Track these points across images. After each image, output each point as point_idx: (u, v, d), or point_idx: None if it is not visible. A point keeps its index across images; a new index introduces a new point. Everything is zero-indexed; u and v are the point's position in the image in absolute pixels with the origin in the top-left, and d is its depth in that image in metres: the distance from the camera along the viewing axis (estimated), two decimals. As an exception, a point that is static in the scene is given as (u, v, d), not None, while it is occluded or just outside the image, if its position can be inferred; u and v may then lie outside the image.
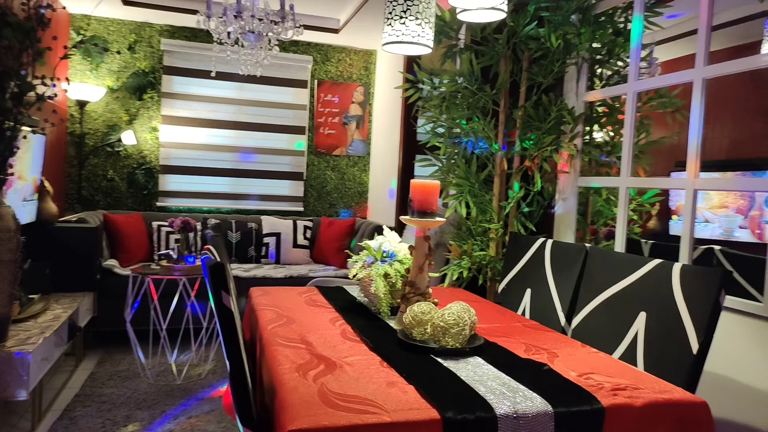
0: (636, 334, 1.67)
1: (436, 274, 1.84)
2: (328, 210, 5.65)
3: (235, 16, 3.13)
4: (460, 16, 2.07)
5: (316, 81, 5.45)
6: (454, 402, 1.17)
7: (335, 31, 4.94)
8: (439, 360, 1.45)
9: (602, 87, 2.67)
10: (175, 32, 5.02)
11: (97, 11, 4.69)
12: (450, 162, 2.67)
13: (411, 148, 4.91)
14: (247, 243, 5.04)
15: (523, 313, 2.22)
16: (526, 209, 2.61)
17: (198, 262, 3.90)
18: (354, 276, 1.95)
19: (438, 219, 1.71)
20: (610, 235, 2.88)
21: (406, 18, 1.95)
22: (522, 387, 1.27)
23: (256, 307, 2.03)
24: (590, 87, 2.69)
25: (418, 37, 1.92)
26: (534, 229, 2.60)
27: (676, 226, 5.23)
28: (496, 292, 2.68)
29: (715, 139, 3.56)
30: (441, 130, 2.65)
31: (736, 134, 3.95)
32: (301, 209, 5.56)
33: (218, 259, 1.45)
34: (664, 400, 1.26)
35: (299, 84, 5.42)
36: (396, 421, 1.09)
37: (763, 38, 2.58)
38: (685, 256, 2.10)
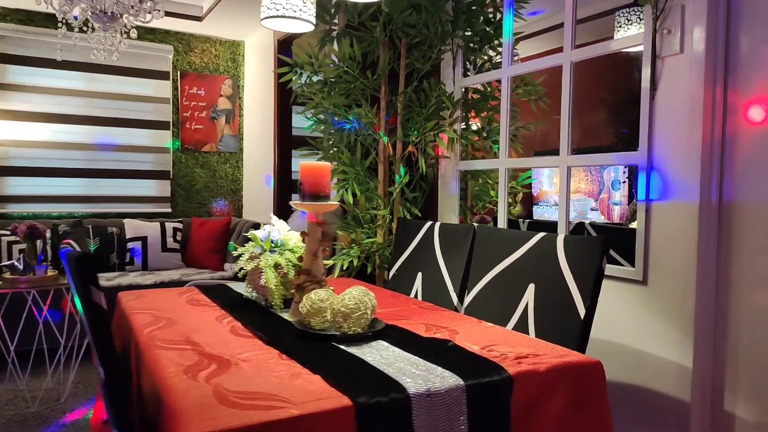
0: (527, 305, 1.73)
1: (329, 262, 1.77)
2: (198, 210, 5.32)
3: (84, -7, 2.79)
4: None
5: (179, 72, 5.10)
6: (365, 387, 1.10)
7: (198, 18, 4.65)
8: (342, 347, 1.38)
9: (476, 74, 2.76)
10: (6, 15, 4.41)
11: None
12: (333, 150, 2.60)
13: (286, 141, 4.77)
14: (108, 249, 4.58)
15: (416, 297, 2.21)
16: (411, 195, 2.62)
17: (50, 272, 3.45)
18: (240, 270, 1.81)
19: (331, 203, 1.64)
20: (488, 219, 2.99)
21: (285, -7, 1.85)
22: (430, 365, 1.24)
23: (127, 312, 1.81)
24: (465, 74, 2.77)
25: (300, 12, 1.82)
26: (419, 214, 2.62)
27: (539, 211, 5.63)
28: (385, 280, 2.67)
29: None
30: (322, 116, 2.57)
31: (584, 125, 4.32)
32: (169, 210, 5.17)
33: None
34: (564, 364, 1.30)
35: (160, 75, 5.03)
36: (307, 413, 1.00)
37: (615, 29, 2.82)
38: (562, 228, 2.22)
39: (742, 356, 1.75)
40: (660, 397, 1.92)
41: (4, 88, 4.44)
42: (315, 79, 2.54)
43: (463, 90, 2.74)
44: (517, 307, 1.75)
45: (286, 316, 1.71)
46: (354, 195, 2.55)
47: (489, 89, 2.75)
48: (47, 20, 4.51)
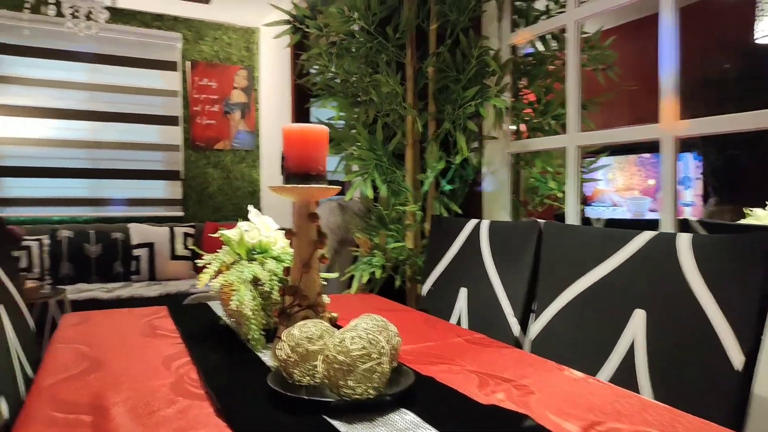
0: (632, 343, 1.13)
1: (334, 275, 1.25)
2: (212, 214, 4.83)
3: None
4: None
5: (188, 63, 4.64)
6: None
7: (205, 1, 4.17)
8: (339, 425, 0.81)
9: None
10: (-1, -1, 4.02)
11: None
12: (349, 129, 2.04)
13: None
14: (112, 257, 4.14)
15: (459, 322, 1.63)
16: (448, 187, 2.04)
17: (31, 283, 2.99)
18: (206, 287, 1.26)
19: (330, 186, 1.07)
20: (552, 217, 2.38)
21: None
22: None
23: (52, 346, 1.29)
24: (514, 29, 2.17)
25: None
26: (459, 211, 2.03)
27: (592, 213, 4.94)
28: (418, 296, 2.09)
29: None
30: (336, 80, 2.00)
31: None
32: (181, 214, 4.71)
33: None
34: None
35: (167, 66, 4.57)
36: None
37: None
38: (669, 227, 1.60)
39: None
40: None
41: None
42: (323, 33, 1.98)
43: (512, 49, 2.14)
44: (616, 345, 1.15)
45: (266, 357, 1.15)
46: (375, 188, 1.99)
47: (546, 50, 2.15)
48: (44, 7, 4.11)
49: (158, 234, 4.29)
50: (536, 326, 1.37)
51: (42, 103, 4.18)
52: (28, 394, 0.98)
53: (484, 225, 1.65)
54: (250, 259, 1.24)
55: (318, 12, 1.95)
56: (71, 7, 2.73)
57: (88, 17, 2.78)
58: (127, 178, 4.51)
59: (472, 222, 1.69)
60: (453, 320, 1.66)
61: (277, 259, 1.22)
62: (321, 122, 2.15)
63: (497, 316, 1.48)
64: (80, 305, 3.47)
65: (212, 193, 4.83)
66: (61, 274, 3.95)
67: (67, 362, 1.13)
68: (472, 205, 2.16)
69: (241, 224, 1.26)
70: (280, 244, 1.25)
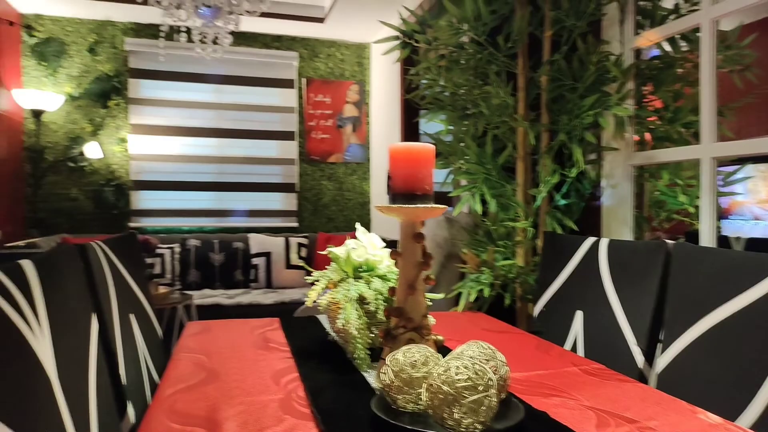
0: (784, 385, 0.98)
1: (440, 296, 1.21)
2: (325, 225, 4.99)
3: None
4: None
5: (304, 80, 4.84)
6: None
7: (320, 20, 4.34)
8: (444, 460, 0.77)
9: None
10: (140, 30, 4.45)
11: (53, 10, 4.13)
12: (457, 143, 2.00)
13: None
14: (233, 265, 4.40)
15: (575, 348, 1.52)
16: (562, 202, 1.92)
17: (162, 289, 3.26)
18: (314, 303, 1.28)
19: (436, 206, 1.04)
20: (681, 233, 2.17)
21: None
22: None
23: (175, 355, 1.37)
24: (637, 31, 2.01)
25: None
26: (575, 227, 1.91)
27: (730, 226, 4.47)
28: (529, 316, 1.99)
29: None
30: (441, 100, 1.97)
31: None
32: (296, 225, 4.91)
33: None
34: None
35: (285, 84, 4.81)
36: None
37: None
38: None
39: None
40: None
41: (137, 103, 4.48)
42: (431, 47, 1.95)
43: (635, 53, 1.98)
44: (762, 387, 1.01)
45: (371, 378, 1.14)
46: (484, 202, 1.93)
47: (675, 52, 1.97)
48: (176, 34, 4.50)
49: (275, 244, 4.50)
50: (664, 359, 1.24)
51: (174, 122, 4.56)
52: (151, 402, 1.05)
53: (603, 244, 1.53)
54: (357, 277, 1.24)
55: (427, 26, 1.93)
56: (200, 34, 2.95)
57: (214, 42, 2.98)
58: (247, 191, 4.79)
59: (590, 240, 1.58)
60: (567, 345, 1.55)
61: (383, 278, 1.21)
62: (429, 136, 2.13)
63: (618, 345, 1.36)
64: (205, 310, 3.72)
65: (325, 204, 4.98)
66: (189, 281, 4.26)
67: (186, 372, 1.19)
68: (590, 221, 2.02)
69: (349, 242, 1.27)
70: (386, 263, 1.24)
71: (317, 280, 1.29)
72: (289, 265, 4.52)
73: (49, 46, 4.22)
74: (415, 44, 1.92)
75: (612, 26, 1.99)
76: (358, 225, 1.33)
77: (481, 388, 0.82)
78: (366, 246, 1.27)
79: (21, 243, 3.61)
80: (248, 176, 4.80)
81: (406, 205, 1.03)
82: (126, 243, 1.52)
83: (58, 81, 4.27)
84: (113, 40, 4.38)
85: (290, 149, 4.86)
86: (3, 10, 3.80)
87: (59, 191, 4.30)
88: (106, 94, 4.37)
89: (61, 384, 0.81)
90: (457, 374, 0.82)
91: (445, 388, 0.82)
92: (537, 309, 1.73)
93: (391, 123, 4.46)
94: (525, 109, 1.96)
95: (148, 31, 4.44)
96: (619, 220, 2.00)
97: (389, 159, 1.08)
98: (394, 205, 1.04)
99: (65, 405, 0.81)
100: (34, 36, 4.20)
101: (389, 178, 1.07)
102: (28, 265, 0.80)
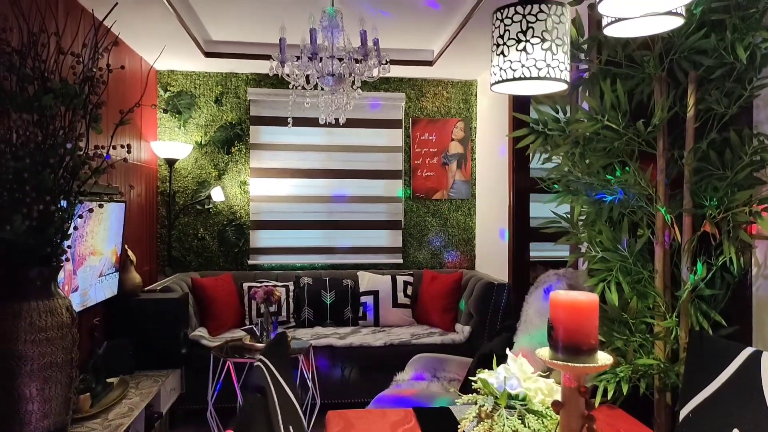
0: None
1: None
2: (430, 261, 5.04)
3: (310, 58, 2.66)
4: (608, 31, 1.41)
5: (410, 119, 4.92)
6: None
7: (429, 63, 4.40)
8: None
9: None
10: (261, 80, 4.74)
11: (183, 65, 4.50)
12: (588, 226, 1.96)
13: (523, 188, 4.21)
14: (343, 303, 4.55)
15: (731, 473, 1.45)
16: (707, 291, 1.83)
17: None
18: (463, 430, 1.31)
19: (602, 365, 1.04)
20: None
21: (527, 41, 1.32)
22: None
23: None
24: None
25: (547, 68, 1.28)
26: (722, 321, 1.81)
27: None
28: (668, 407, 1.90)
29: None
30: (572, 186, 1.94)
31: None
32: (400, 261, 5.00)
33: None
34: None
35: (393, 124, 4.92)
36: None
37: None
38: None
39: None
40: None
41: (257, 148, 4.76)
42: (561, 134, 1.92)
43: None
44: None
45: None
46: (620, 290, 1.87)
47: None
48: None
49: (382, 282, 4.60)
50: None
51: (288, 165, 4.80)
52: None
53: (765, 359, 1.44)
54: (509, 407, 1.26)
55: (561, 111, 1.92)
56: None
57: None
58: (355, 229, 4.94)
59: (747, 351, 1.49)
60: (723, 465, 1.47)
61: (538, 413, 1.22)
62: (556, 214, 2.09)
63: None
64: (319, 351, 3.88)
65: (430, 239, 5.03)
66: (303, 317, 4.46)
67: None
68: (738, 313, 1.90)
69: (499, 370, 1.29)
70: (540, 396, 1.25)
71: (467, 416, 1.32)
72: (396, 304, 4.61)
73: (181, 99, 4.60)
74: (548, 132, 1.91)
75: (765, 109, 1.86)
76: (510, 353, 1.34)
77: None
78: (516, 371, 1.29)
79: (157, 286, 3.95)
80: (356, 214, 4.94)
81: (573, 364, 1.04)
82: (279, 346, 1.63)
83: (188, 131, 4.64)
84: (236, 91, 4.70)
85: (396, 187, 4.95)
86: (143, 68, 4.19)
87: (189, 232, 4.66)
88: (230, 141, 4.69)
89: None
90: None
91: None
92: (683, 413, 1.65)
93: (497, 159, 4.43)
94: (665, 192, 1.89)
95: (268, 80, 4.72)
96: (771, 314, 1.87)
97: (551, 310, 1.09)
98: (560, 362, 1.05)
99: None
100: (169, 91, 4.59)
101: (551, 328, 1.08)
102: None
